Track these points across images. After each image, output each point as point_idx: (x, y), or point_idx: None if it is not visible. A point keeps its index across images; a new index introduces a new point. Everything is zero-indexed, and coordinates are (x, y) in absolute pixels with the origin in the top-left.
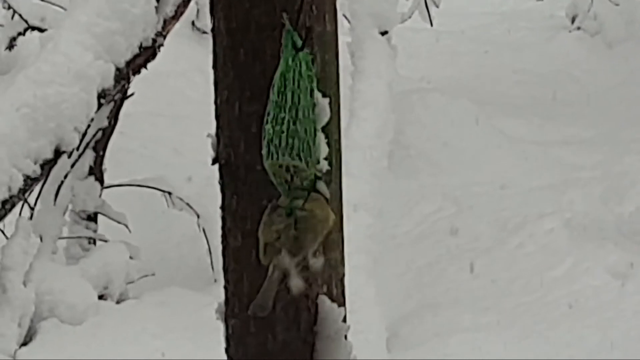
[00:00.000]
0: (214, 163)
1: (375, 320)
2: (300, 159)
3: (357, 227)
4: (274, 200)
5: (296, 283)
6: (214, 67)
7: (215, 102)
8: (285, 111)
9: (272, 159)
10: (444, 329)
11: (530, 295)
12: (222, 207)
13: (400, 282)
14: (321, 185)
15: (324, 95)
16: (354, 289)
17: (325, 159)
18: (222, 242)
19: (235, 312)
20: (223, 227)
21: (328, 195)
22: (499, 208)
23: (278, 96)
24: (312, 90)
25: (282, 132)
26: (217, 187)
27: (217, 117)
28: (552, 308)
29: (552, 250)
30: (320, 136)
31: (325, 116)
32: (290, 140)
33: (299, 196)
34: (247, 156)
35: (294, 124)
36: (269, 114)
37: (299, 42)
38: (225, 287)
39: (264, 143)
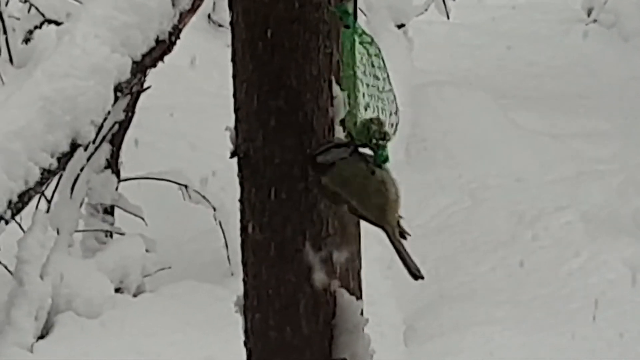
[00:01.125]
0: (232, 156)
1: (391, 314)
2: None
3: None
4: (366, 165)
5: (320, 277)
6: (233, 60)
7: (234, 96)
8: (357, 81)
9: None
10: (460, 322)
11: (546, 288)
12: (241, 200)
13: None
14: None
15: (342, 90)
16: (370, 282)
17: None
18: (241, 235)
19: (254, 305)
20: (242, 220)
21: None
22: (515, 201)
23: (351, 70)
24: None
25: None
26: (234, 181)
27: (235, 110)
28: (568, 301)
29: (568, 243)
30: (339, 129)
31: (342, 110)
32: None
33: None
34: (266, 149)
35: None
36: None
37: (350, 21)
38: (244, 280)
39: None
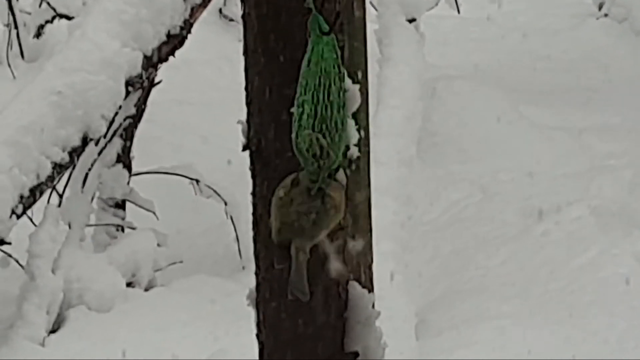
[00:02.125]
0: (244, 149)
1: (403, 307)
2: (326, 139)
3: (384, 214)
4: (292, 176)
5: (336, 267)
6: (245, 53)
7: (246, 89)
8: (309, 94)
9: (300, 137)
10: (471, 316)
11: (557, 282)
12: (253, 194)
13: (428, 269)
14: (340, 174)
15: (354, 82)
16: (382, 275)
17: (356, 145)
18: (253, 228)
19: (266, 299)
20: (254, 214)
21: (344, 184)
22: (526, 195)
23: (303, 79)
24: (338, 75)
25: (307, 115)
26: (245, 175)
27: (247, 103)
28: (579, 295)
29: (579, 238)
30: (351, 122)
31: (355, 102)
32: (315, 123)
33: (323, 180)
34: (278, 143)
35: (319, 107)
36: (297, 98)
37: (325, 27)
38: (257, 273)
39: (293, 125)
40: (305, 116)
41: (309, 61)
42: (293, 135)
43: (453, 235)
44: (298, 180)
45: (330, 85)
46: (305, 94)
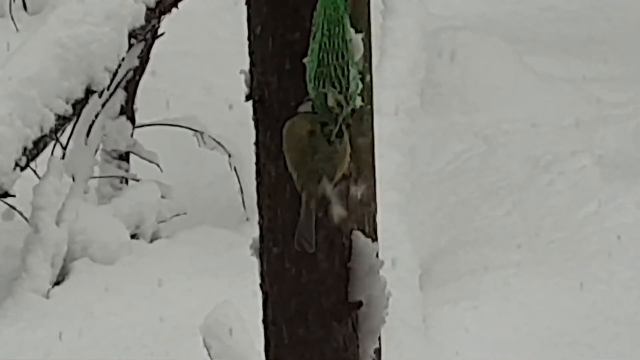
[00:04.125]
0: (247, 99)
1: (407, 258)
2: (337, 89)
3: (388, 164)
4: (301, 124)
5: (338, 211)
6: (247, 3)
7: (249, 38)
8: (319, 42)
9: (314, 86)
10: (476, 266)
11: (561, 232)
12: (256, 143)
13: (432, 220)
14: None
15: (357, 31)
16: (386, 226)
17: (359, 94)
18: (257, 178)
19: (269, 248)
20: (257, 164)
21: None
22: (530, 146)
23: (314, 28)
24: (343, 23)
25: (318, 62)
26: (249, 126)
27: (250, 53)
28: (583, 245)
29: (584, 188)
30: (354, 72)
31: (358, 52)
32: (326, 71)
33: (340, 128)
34: (281, 92)
35: (330, 54)
36: (310, 48)
37: None
38: (260, 223)
39: (307, 78)
40: (314, 66)
41: (323, 9)
42: (309, 88)
43: (457, 186)
44: (313, 130)
45: (336, 34)
46: (314, 43)
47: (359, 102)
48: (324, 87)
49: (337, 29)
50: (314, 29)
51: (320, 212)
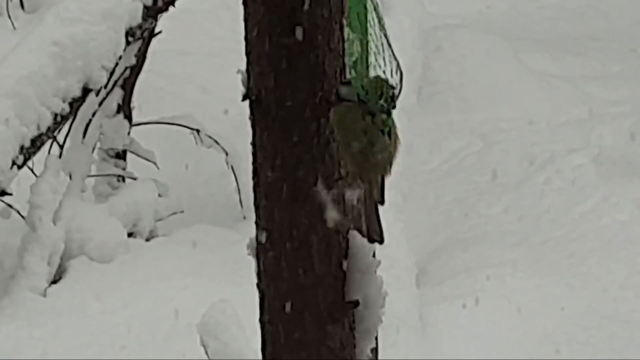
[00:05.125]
0: (244, 99)
1: (404, 256)
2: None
3: None
4: (355, 121)
5: (332, 216)
6: (244, 2)
7: (246, 38)
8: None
9: (360, 77)
10: (472, 265)
11: (558, 230)
12: (253, 143)
13: (429, 218)
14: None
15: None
16: (382, 224)
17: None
18: (253, 177)
19: (266, 247)
20: (254, 163)
21: None
22: (527, 143)
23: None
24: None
25: (366, 52)
26: (246, 124)
27: (247, 52)
28: (580, 243)
29: (580, 186)
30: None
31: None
32: (373, 60)
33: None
34: (278, 91)
35: (373, 43)
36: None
37: None
38: (257, 223)
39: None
40: (362, 57)
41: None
42: (354, 80)
43: (454, 184)
44: (366, 126)
45: (372, 22)
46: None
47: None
48: (370, 77)
49: (372, 18)
50: (350, 20)
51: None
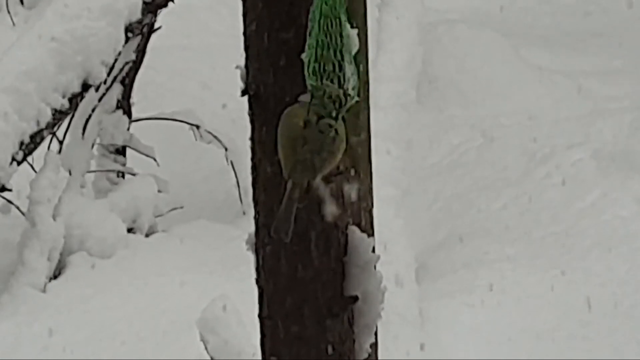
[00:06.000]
0: (243, 94)
1: (403, 252)
2: (335, 84)
3: (385, 158)
4: (298, 114)
5: (331, 210)
6: None
7: (244, 34)
8: (313, 39)
9: (313, 80)
10: (472, 260)
11: (558, 225)
12: (252, 138)
13: (429, 213)
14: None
15: (352, 27)
16: (382, 220)
17: (354, 89)
18: (252, 173)
19: (265, 243)
20: (253, 158)
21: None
22: (527, 139)
23: (310, 24)
24: (339, 18)
25: (315, 57)
26: (245, 120)
27: (246, 48)
28: (580, 238)
29: (581, 181)
30: (352, 67)
31: (354, 47)
32: (322, 66)
33: (337, 121)
34: (276, 87)
35: (326, 50)
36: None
37: None
38: (256, 218)
39: (305, 71)
40: (311, 61)
41: (319, 6)
42: (307, 82)
43: (454, 180)
44: (308, 119)
45: (332, 29)
46: (311, 39)
47: (355, 98)
48: (322, 82)
49: (333, 24)
50: (310, 24)
51: (302, 204)
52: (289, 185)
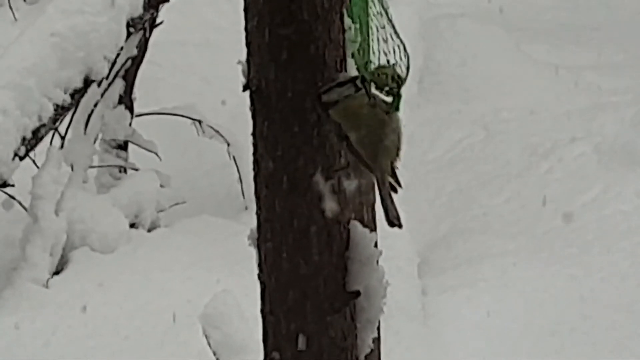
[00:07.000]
0: (244, 90)
1: (406, 246)
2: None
3: None
4: (370, 113)
5: (330, 206)
6: None
7: (246, 29)
8: (364, 25)
9: (369, 68)
10: (474, 255)
11: (560, 220)
12: (254, 134)
13: (431, 208)
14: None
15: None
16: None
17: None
18: (254, 168)
19: (267, 238)
20: (255, 154)
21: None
22: (529, 133)
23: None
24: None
25: (368, 43)
26: (247, 115)
27: (247, 43)
28: (582, 233)
29: (582, 175)
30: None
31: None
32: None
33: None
34: (278, 82)
35: (371, 34)
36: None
37: None
38: (258, 213)
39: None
40: (365, 50)
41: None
42: (361, 69)
43: (456, 174)
44: (370, 111)
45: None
46: (357, 29)
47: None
48: (379, 65)
49: (374, 6)
50: (347, 12)
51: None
52: (380, 174)
